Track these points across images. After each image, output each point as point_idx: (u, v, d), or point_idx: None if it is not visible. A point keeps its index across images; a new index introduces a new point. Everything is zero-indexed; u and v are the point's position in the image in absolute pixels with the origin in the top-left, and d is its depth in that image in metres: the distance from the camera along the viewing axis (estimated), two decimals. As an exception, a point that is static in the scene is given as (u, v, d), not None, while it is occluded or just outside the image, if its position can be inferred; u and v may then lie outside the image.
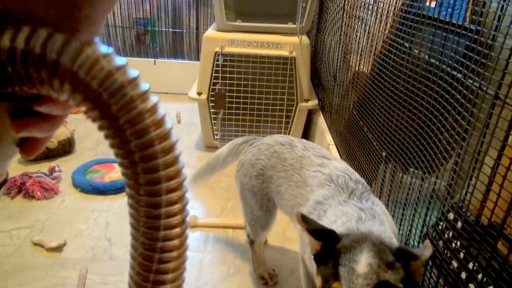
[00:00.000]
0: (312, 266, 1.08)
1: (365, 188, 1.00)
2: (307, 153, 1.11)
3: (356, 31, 1.72)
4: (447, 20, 0.95)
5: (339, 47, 2.04)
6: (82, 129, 2.43)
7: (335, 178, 0.99)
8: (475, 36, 0.82)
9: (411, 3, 1.16)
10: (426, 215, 1.01)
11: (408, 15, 1.16)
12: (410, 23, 1.14)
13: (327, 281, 0.76)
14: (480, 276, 0.76)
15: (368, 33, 1.55)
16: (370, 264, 0.73)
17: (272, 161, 1.16)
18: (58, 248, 1.46)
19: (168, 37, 3.14)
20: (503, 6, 0.76)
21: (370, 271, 0.72)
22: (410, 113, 1.12)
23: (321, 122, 2.19)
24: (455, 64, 0.90)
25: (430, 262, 0.95)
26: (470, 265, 0.80)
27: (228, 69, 2.07)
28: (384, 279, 0.72)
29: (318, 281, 0.79)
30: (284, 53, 2.05)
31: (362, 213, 0.90)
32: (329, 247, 0.78)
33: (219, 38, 2.06)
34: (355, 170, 1.18)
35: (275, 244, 1.57)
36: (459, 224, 0.86)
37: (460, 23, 0.90)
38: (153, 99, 0.29)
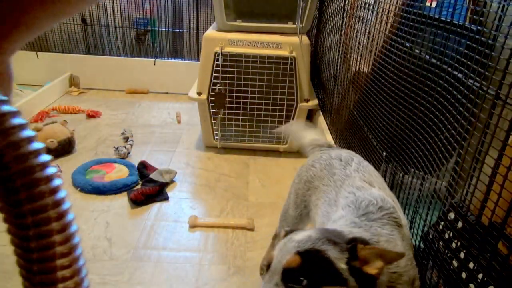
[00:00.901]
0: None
1: (387, 217, 0.89)
2: (355, 174, 1.05)
3: (356, 31, 1.72)
4: (448, 20, 0.95)
5: (339, 47, 2.04)
6: (82, 129, 2.43)
7: (359, 202, 0.93)
8: (476, 36, 0.82)
9: (412, 3, 1.16)
10: (427, 215, 1.01)
11: (408, 15, 1.16)
12: (411, 23, 1.14)
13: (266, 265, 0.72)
14: (480, 276, 0.76)
15: (368, 33, 1.54)
16: (309, 236, 0.69)
17: (322, 173, 1.13)
18: (58, 248, 1.46)
19: (168, 37, 3.14)
20: (503, 6, 0.76)
21: (306, 239, 0.68)
22: (410, 113, 1.12)
23: (321, 122, 2.19)
24: (455, 64, 0.90)
25: (430, 262, 0.95)
26: (470, 265, 0.80)
27: (228, 69, 2.07)
28: (318, 248, 0.67)
29: None
30: (284, 53, 2.04)
31: (359, 229, 0.85)
32: None
33: (219, 38, 2.06)
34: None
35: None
36: (460, 224, 0.86)
37: (461, 23, 0.90)
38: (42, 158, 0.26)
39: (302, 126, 1.44)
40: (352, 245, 0.68)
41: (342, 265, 0.66)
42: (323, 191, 1.09)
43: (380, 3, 1.45)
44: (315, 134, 1.37)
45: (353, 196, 0.95)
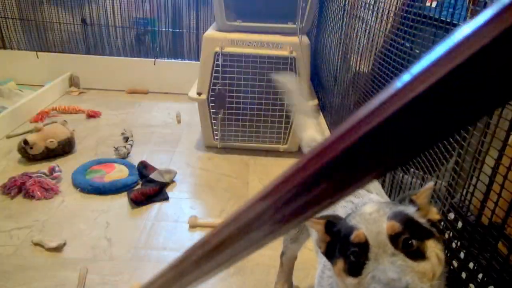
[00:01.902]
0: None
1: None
2: None
3: (357, 31, 1.72)
4: (448, 20, 0.95)
5: (339, 47, 2.04)
6: (82, 129, 2.43)
7: (359, 207, 0.90)
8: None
9: (412, 3, 1.16)
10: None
11: (408, 15, 1.16)
12: (411, 23, 1.14)
13: (344, 248, 0.67)
14: (480, 276, 0.76)
15: (369, 33, 1.54)
16: (378, 204, 0.68)
17: None
18: (58, 248, 1.46)
19: (168, 37, 3.14)
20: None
21: (380, 206, 0.66)
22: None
23: (321, 122, 2.19)
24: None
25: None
26: (470, 265, 0.80)
27: (228, 69, 2.07)
28: (398, 210, 0.65)
29: (337, 268, 0.69)
30: (284, 53, 2.04)
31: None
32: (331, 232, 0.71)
33: (219, 38, 2.06)
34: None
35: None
36: (459, 224, 0.86)
37: (461, 23, 0.90)
38: None
39: (306, 109, 1.41)
40: (409, 197, 0.68)
41: (421, 219, 0.65)
42: None
43: (380, 3, 1.45)
44: (314, 131, 1.36)
45: (351, 205, 0.94)
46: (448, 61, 0.20)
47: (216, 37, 2.07)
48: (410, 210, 0.66)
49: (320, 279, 0.87)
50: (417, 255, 0.61)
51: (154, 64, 3.11)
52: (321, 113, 2.39)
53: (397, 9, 1.30)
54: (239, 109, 2.16)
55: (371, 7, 1.53)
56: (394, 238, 0.62)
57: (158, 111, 2.79)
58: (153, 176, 1.88)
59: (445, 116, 0.21)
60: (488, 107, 0.21)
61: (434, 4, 1.06)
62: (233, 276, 1.39)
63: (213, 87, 2.11)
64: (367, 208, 0.68)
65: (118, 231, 1.58)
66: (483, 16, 0.19)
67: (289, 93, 1.36)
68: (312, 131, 1.35)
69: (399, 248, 0.61)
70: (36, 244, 1.47)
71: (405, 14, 1.20)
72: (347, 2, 1.92)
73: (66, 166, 1.98)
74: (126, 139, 2.31)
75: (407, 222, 0.63)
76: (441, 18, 0.98)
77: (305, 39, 2.10)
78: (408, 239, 0.61)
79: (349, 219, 0.68)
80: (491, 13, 0.19)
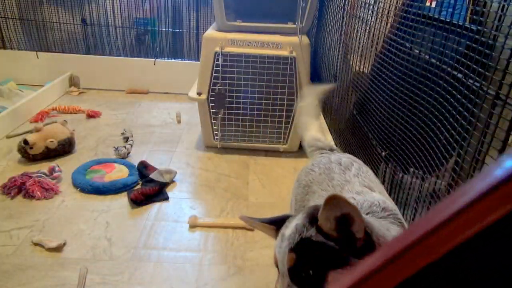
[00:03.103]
0: None
1: (392, 217, 0.87)
2: (355, 179, 1.04)
3: (356, 31, 1.72)
4: (448, 20, 0.95)
5: (339, 47, 2.04)
6: (82, 129, 2.43)
7: (360, 204, 0.90)
8: (476, 36, 0.82)
9: (412, 3, 1.16)
10: (426, 215, 1.00)
11: (408, 15, 1.16)
12: (411, 23, 1.14)
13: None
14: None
15: (368, 33, 1.54)
16: (296, 225, 0.68)
17: (321, 177, 1.11)
18: (58, 248, 1.46)
19: (168, 37, 3.14)
20: (503, 6, 0.76)
21: (293, 232, 0.67)
22: (410, 113, 1.12)
23: (321, 122, 2.18)
24: (455, 64, 0.90)
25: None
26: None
27: (228, 69, 2.07)
28: (306, 236, 0.65)
29: None
30: (284, 53, 2.04)
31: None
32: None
33: (219, 38, 2.06)
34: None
35: None
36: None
37: (461, 23, 0.90)
38: None
39: (312, 111, 1.40)
40: (310, 218, 0.67)
41: (330, 242, 0.65)
42: (322, 196, 1.07)
43: (380, 3, 1.45)
44: (317, 131, 1.35)
45: (353, 201, 0.92)
46: None
47: (216, 37, 2.07)
48: (312, 233, 0.66)
49: None
50: (315, 285, 0.63)
51: (154, 64, 3.11)
52: (321, 113, 2.39)
53: (397, 9, 1.30)
54: (239, 109, 2.16)
55: (371, 7, 1.53)
56: (291, 270, 0.65)
57: (158, 111, 2.79)
58: (153, 176, 1.88)
59: None
60: None
61: (434, 4, 1.06)
62: (233, 276, 1.39)
63: (213, 87, 2.11)
64: (287, 230, 0.69)
65: (118, 231, 1.58)
66: None
67: (304, 128, 1.38)
68: (315, 130, 1.35)
69: (295, 281, 0.64)
70: (36, 244, 1.47)
71: (405, 14, 1.20)
72: (347, 2, 1.92)
73: (66, 166, 1.98)
74: (126, 139, 2.31)
75: (310, 252, 0.64)
76: (441, 18, 0.98)
77: (305, 39, 2.10)
78: (306, 270, 0.63)
79: (282, 233, 0.70)
80: None
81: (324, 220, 0.65)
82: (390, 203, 0.92)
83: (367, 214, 0.85)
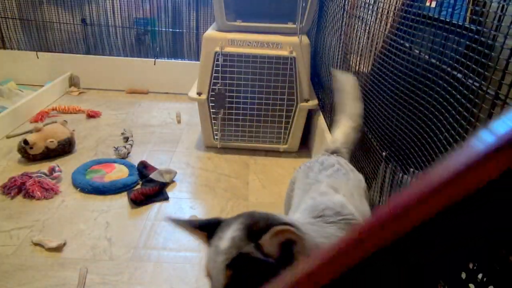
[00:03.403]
0: None
1: (344, 222, 0.87)
2: (325, 179, 1.04)
3: (356, 31, 1.72)
4: (447, 20, 0.95)
5: (339, 47, 2.03)
6: (82, 129, 2.43)
7: (316, 205, 0.90)
8: (475, 36, 0.82)
9: (411, 3, 1.16)
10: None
11: (408, 15, 1.16)
12: (410, 23, 1.14)
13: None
14: (480, 276, 0.76)
15: (368, 33, 1.55)
16: (233, 238, 0.65)
17: (300, 175, 1.12)
18: (58, 248, 1.46)
19: (168, 37, 3.14)
20: (503, 6, 0.76)
21: (230, 245, 0.64)
22: (410, 113, 1.12)
23: (321, 122, 2.18)
24: (455, 64, 0.90)
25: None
26: (470, 265, 0.80)
27: (228, 69, 2.07)
28: (245, 251, 0.63)
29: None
30: (284, 53, 2.05)
31: (312, 227, 0.81)
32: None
33: (219, 38, 2.06)
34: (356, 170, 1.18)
35: None
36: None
37: (460, 23, 0.90)
38: None
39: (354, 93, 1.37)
40: (248, 231, 0.65)
41: (269, 259, 0.63)
42: (296, 194, 1.08)
43: (380, 3, 1.45)
44: (339, 133, 1.34)
45: (313, 201, 0.93)
46: None
47: (216, 37, 2.07)
48: (251, 249, 0.63)
49: None
50: None
51: (154, 64, 3.11)
52: (321, 113, 2.39)
53: (396, 9, 1.30)
54: (239, 109, 2.16)
55: (371, 7, 1.53)
56: (227, 287, 0.62)
57: (158, 111, 2.79)
58: (153, 176, 1.88)
59: None
60: None
61: (433, 4, 1.06)
62: (233, 276, 1.39)
63: (213, 87, 2.11)
64: (223, 243, 0.66)
65: (118, 231, 1.58)
66: None
67: (342, 92, 1.36)
68: (339, 132, 1.34)
69: None
70: (36, 244, 1.47)
71: (404, 14, 1.20)
72: (347, 2, 1.92)
73: (66, 166, 1.99)
74: (126, 139, 2.31)
75: (248, 268, 0.63)
76: (441, 18, 0.98)
77: (305, 39, 2.10)
78: (242, 287, 0.62)
79: (216, 245, 0.67)
80: None
81: (267, 244, 0.63)
82: (350, 207, 0.91)
83: (318, 217, 0.85)
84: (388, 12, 1.36)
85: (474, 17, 0.86)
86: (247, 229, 0.66)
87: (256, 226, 0.66)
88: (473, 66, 0.81)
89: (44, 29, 3.09)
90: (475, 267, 0.78)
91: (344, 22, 1.94)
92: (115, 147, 2.15)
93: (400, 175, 1.20)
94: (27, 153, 2.00)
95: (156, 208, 1.74)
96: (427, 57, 1.03)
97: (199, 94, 2.15)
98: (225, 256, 0.64)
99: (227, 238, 0.66)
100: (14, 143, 2.11)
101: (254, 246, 0.63)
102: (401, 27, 1.21)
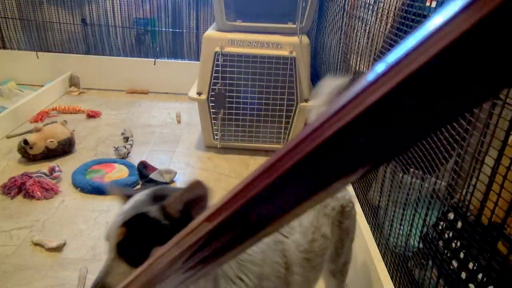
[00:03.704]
0: None
1: None
2: None
3: (356, 31, 1.72)
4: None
5: (339, 47, 2.03)
6: (82, 129, 2.43)
7: None
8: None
9: (412, 3, 1.16)
10: (426, 215, 1.01)
11: (408, 15, 1.16)
12: (410, 23, 1.14)
13: None
14: (480, 276, 0.76)
15: (368, 33, 1.55)
16: (136, 201, 0.67)
17: None
18: (58, 248, 1.46)
19: (168, 37, 3.14)
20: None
21: (132, 206, 0.66)
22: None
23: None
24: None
25: (430, 262, 0.95)
26: (470, 265, 0.80)
27: (228, 69, 2.07)
28: (142, 211, 0.64)
29: None
30: (284, 53, 2.05)
31: None
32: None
33: (219, 38, 2.06)
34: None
35: None
36: (459, 224, 0.86)
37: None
38: None
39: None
40: (153, 196, 0.67)
41: (165, 221, 0.63)
42: None
43: (380, 3, 1.45)
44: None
45: None
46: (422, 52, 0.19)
47: (216, 37, 2.07)
48: (151, 209, 0.64)
49: None
50: (139, 262, 0.62)
51: (154, 64, 3.11)
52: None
53: (396, 9, 1.30)
54: (239, 109, 2.16)
55: (371, 7, 1.53)
56: (119, 245, 0.63)
57: (158, 111, 2.79)
58: (153, 176, 1.88)
59: (420, 113, 0.21)
60: (467, 103, 0.20)
61: (434, 4, 1.06)
62: (233, 276, 1.39)
63: (213, 87, 2.11)
64: (127, 204, 0.67)
65: (118, 231, 1.58)
66: (455, 5, 0.19)
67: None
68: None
69: (122, 254, 0.63)
70: (36, 244, 1.47)
71: (404, 14, 1.20)
72: (347, 2, 1.92)
73: (66, 166, 1.98)
74: (126, 139, 2.31)
75: (140, 227, 0.63)
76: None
77: (305, 39, 2.10)
78: (133, 246, 0.62)
79: (123, 207, 0.68)
80: (463, 3, 0.18)
81: (175, 201, 0.63)
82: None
83: None
84: (388, 12, 1.36)
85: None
86: (152, 194, 0.68)
87: (162, 191, 0.68)
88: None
89: (44, 29, 3.09)
90: (475, 267, 0.78)
91: (344, 22, 1.94)
92: (115, 147, 2.15)
93: (400, 175, 1.20)
94: (27, 153, 2.00)
95: (156, 208, 1.74)
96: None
97: (199, 94, 2.14)
98: (123, 216, 0.65)
99: (131, 201, 0.68)
100: (14, 143, 2.11)
101: (158, 208, 0.64)
102: (401, 27, 1.21)
